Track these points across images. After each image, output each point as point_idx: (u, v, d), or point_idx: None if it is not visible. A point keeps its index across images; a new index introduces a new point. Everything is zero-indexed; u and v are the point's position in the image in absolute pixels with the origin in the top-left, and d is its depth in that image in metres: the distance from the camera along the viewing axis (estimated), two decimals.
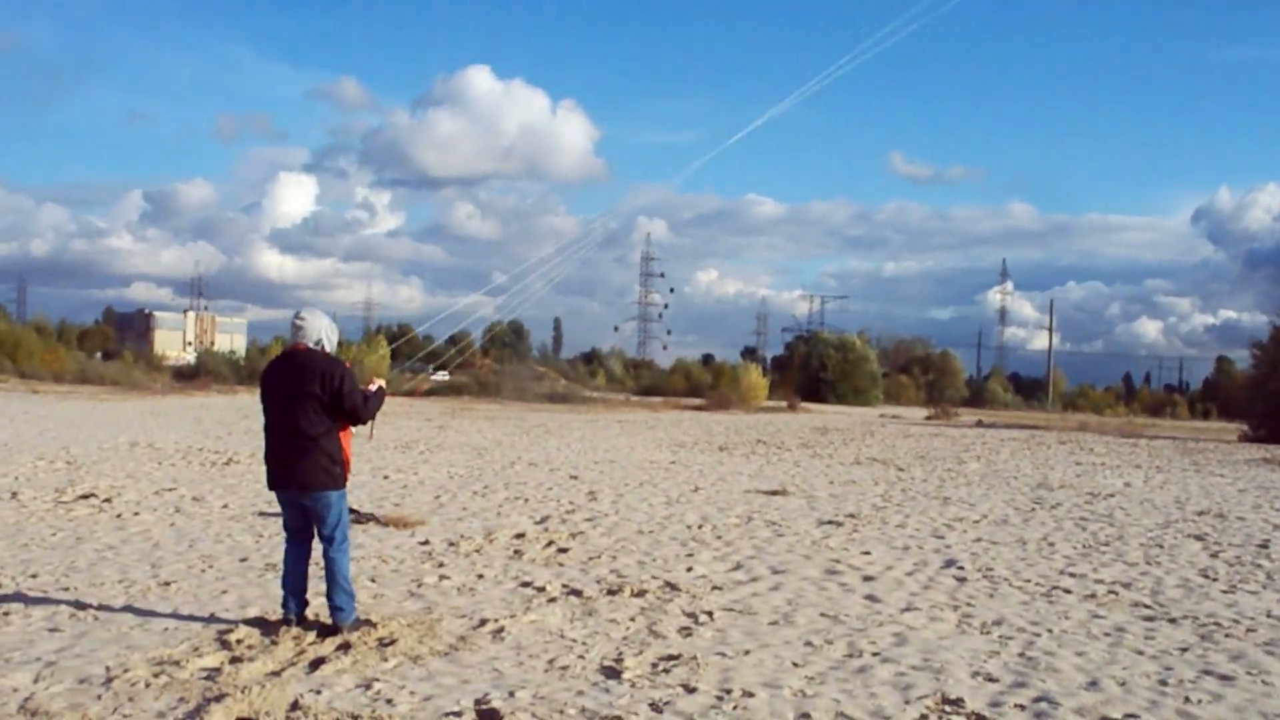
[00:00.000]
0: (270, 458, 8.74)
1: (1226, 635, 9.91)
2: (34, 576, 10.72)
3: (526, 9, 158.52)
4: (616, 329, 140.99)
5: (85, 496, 16.13)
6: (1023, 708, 7.50)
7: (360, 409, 8.66)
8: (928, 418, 63.84)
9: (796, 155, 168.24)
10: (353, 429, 8.91)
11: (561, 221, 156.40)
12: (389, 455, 24.99)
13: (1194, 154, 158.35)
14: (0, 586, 10.21)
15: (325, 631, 8.70)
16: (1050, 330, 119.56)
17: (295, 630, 8.73)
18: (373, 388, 8.97)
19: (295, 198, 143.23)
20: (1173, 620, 10.44)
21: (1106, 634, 9.76)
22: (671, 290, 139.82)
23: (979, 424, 55.75)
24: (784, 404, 72.77)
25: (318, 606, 9.17)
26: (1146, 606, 11.03)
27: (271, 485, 8.84)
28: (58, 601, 9.68)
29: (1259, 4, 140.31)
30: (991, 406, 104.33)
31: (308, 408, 8.48)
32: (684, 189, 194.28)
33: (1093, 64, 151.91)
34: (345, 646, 8.40)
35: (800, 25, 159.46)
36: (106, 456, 21.82)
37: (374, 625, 8.91)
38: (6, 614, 9.14)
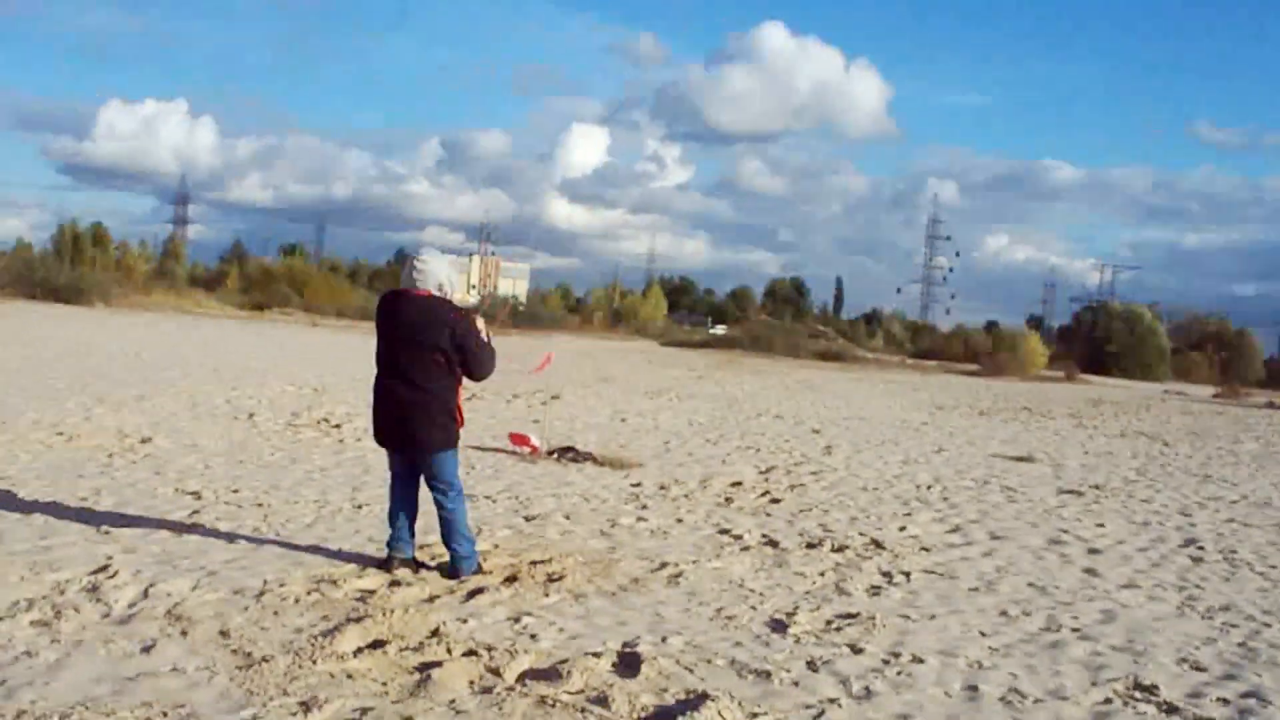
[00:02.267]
0: (379, 410, 8.09)
1: None
2: (235, 491, 10.85)
3: None
4: (899, 291, 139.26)
5: (320, 421, 16.41)
6: (1226, 702, 6.76)
7: (485, 364, 8.03)
8: (1214, 396, 60.87)
9: (1097, 118, 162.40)
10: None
11: (851, 180, 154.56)
12: (635, 401, 24.94)
13: None
14: (200, 499, 10.33)
15: (447, 575, 8.19)
16: None
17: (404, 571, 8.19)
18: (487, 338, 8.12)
19: (587, 149, 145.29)
20: None
21: None
22: (958, 254, 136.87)
23: (1269, 405, 52.76)
24: (1061, 374, 70.40)
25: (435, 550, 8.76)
26: None
27: (381, 441, 8.22)
28: (248, 516, 9.74)
29: None
30: None
31: (427, 360, 7.83)
32: (978, 151, 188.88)
33: None
34: (512, 579, 8.17)
35: None
36: (355, 386, 22.22)
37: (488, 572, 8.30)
38: (194, 526, 9.21)
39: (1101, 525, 12.81)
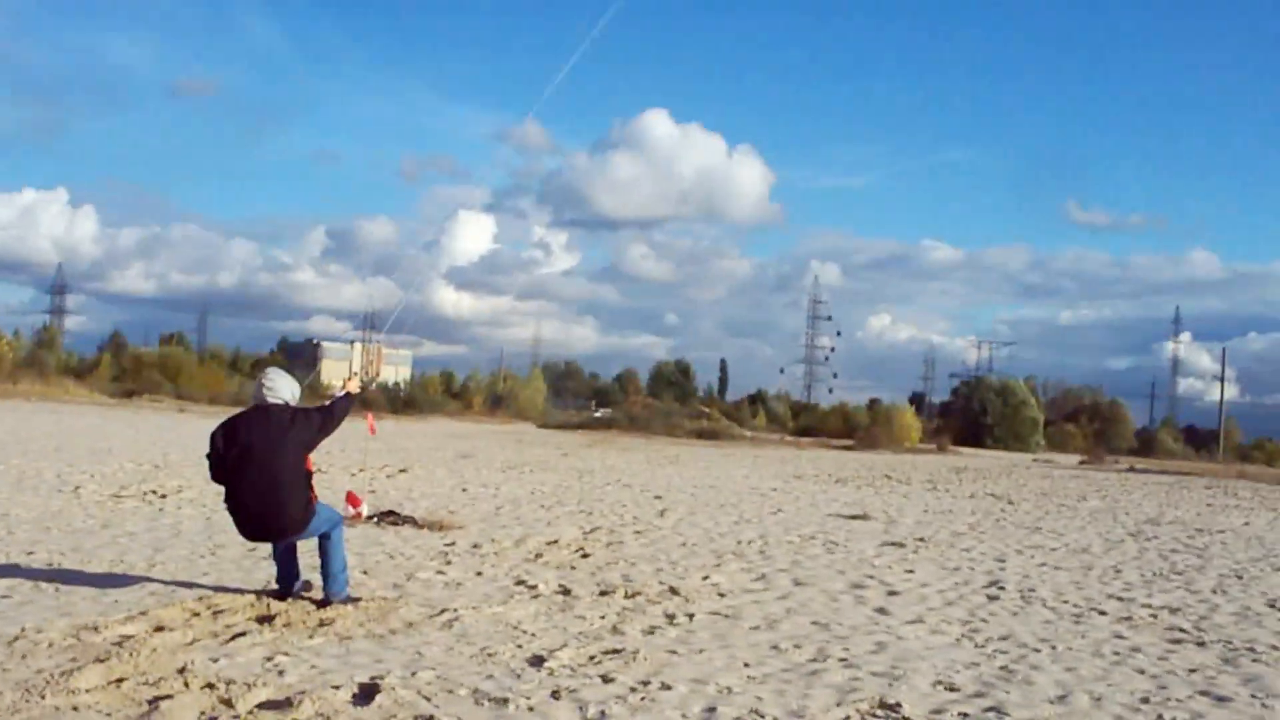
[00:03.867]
0: (242, 511, 8.65)
1: (1254, 660, 9.13)
2: (30, 553, 10.76)
3: (704, 54, 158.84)
4: (783, 371, 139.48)
5: (147, 493, 16.22)
6: (965, 716, 6.89)
7: (331, 415, 8.94)
8: (1080, 462, 61.98)
9: (975, 200, 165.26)
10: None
11: (736, 264, 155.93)
12: (486, 474, 24.84)
13: None
14: None
15: (319, 605, 8.80)
16: (1222, 380, 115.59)
17: (269, 603, 8.79)
18: (340, 393, 9.26)
19: (474, 236, 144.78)
20: (1202, 644, 9.65)
21: (1116, 654, 9.03)
22: (839, 333, 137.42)
23: (1130, 469, 53.84)
24: (934, 447, 71.30)
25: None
26: (1183, 630, 10.23)
27: (250, 538, 8.91)
28: (34, 574, 9.65)
29: None
30: (1160, 457, 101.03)
31: (288, 454, 8.56)
32: (859, 233, 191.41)
33: (1273, 104, 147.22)
34: (269, 619, 8.25)
35: (976, 71, 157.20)
36: (197, 462, 21.94)
37: (358, 601, 9.04)
38: None
39: (911, 571, 12.99)
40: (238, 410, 8.96)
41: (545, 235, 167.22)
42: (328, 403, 9.14)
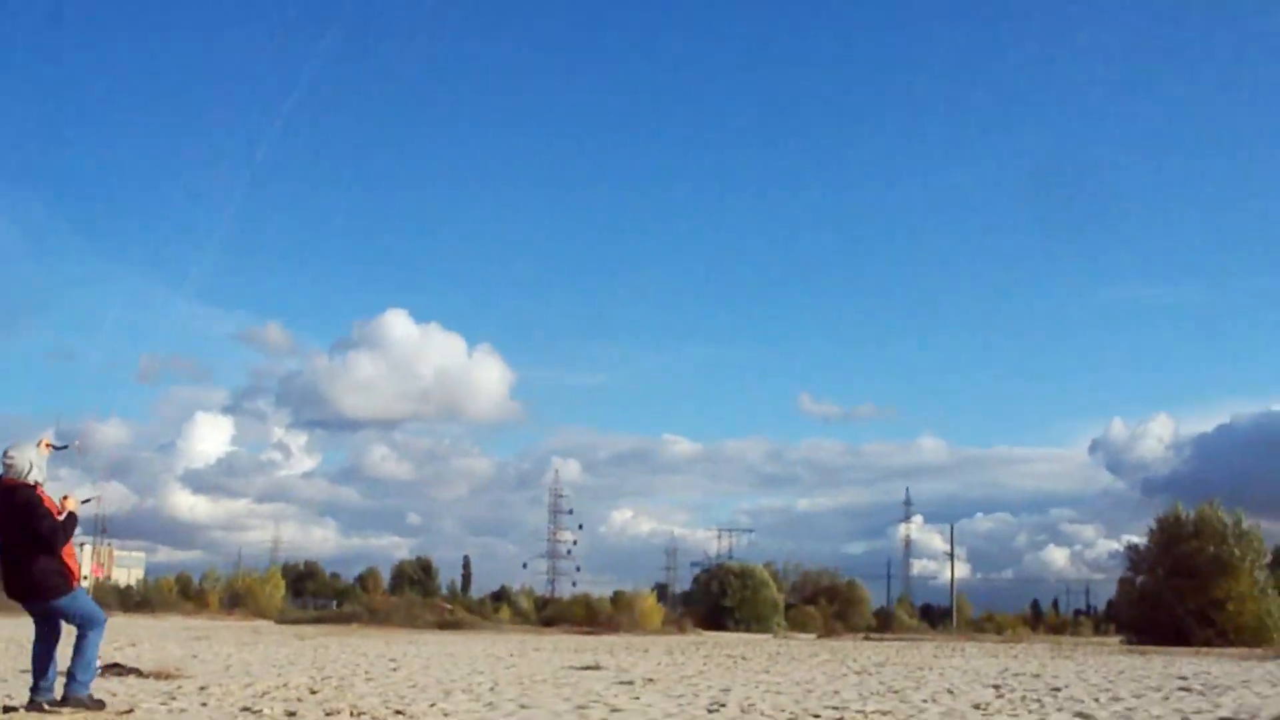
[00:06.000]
0: (5, 574, 9.34)
1: None
2: None
3: (443, 254, 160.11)
4: (525, 566, 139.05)
5: None
6: None
7: (56, 538, 9.26)
8: (818, 636, 63.23)
9: (713, 395, 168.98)
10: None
11: (477, 462, 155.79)
12: (219, 647, 24.31)
13: (1087, 388, 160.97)
14: None
15: (57, 704, 9.21)
16: (952, 557, 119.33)
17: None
18: (63, 516, 9.43)
19: (211, 438, 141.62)
20: None
21: None
22: (581, 527, 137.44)
23: (866, 638, 55.19)
24: (675, 629, 71.80)
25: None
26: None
27: (11, 596, 9.41)
28: None
29: (1151, 249, 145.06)
30: (896, 632, 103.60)
31: (27, 536, 9.17)
32: (601, 428, 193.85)
33: (986, 303, 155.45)
34: None
35: (713, 267, 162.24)
36: None
37: (103, 705, 9.52)
38: None
39: (637, 698, 13.29)
40: None
41: (284, 436, 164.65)
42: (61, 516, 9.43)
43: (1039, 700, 13.84)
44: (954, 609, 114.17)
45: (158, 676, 14.08)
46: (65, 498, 9.59)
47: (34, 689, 9.43)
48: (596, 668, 19.34)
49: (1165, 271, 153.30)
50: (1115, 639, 67.72)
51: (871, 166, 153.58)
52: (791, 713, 11.82)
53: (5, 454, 9.38)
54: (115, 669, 14.41)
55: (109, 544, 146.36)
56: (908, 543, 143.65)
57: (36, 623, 9.61)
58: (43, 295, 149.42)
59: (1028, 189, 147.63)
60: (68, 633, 9.56)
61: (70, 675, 9.31)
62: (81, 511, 9.74)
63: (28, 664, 9.14)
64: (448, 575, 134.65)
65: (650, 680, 16.30)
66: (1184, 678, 18.28)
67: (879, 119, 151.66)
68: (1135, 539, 50.10)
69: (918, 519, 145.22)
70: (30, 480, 9.37)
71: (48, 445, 9.74)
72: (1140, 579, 48.88)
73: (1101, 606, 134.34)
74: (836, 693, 14.48)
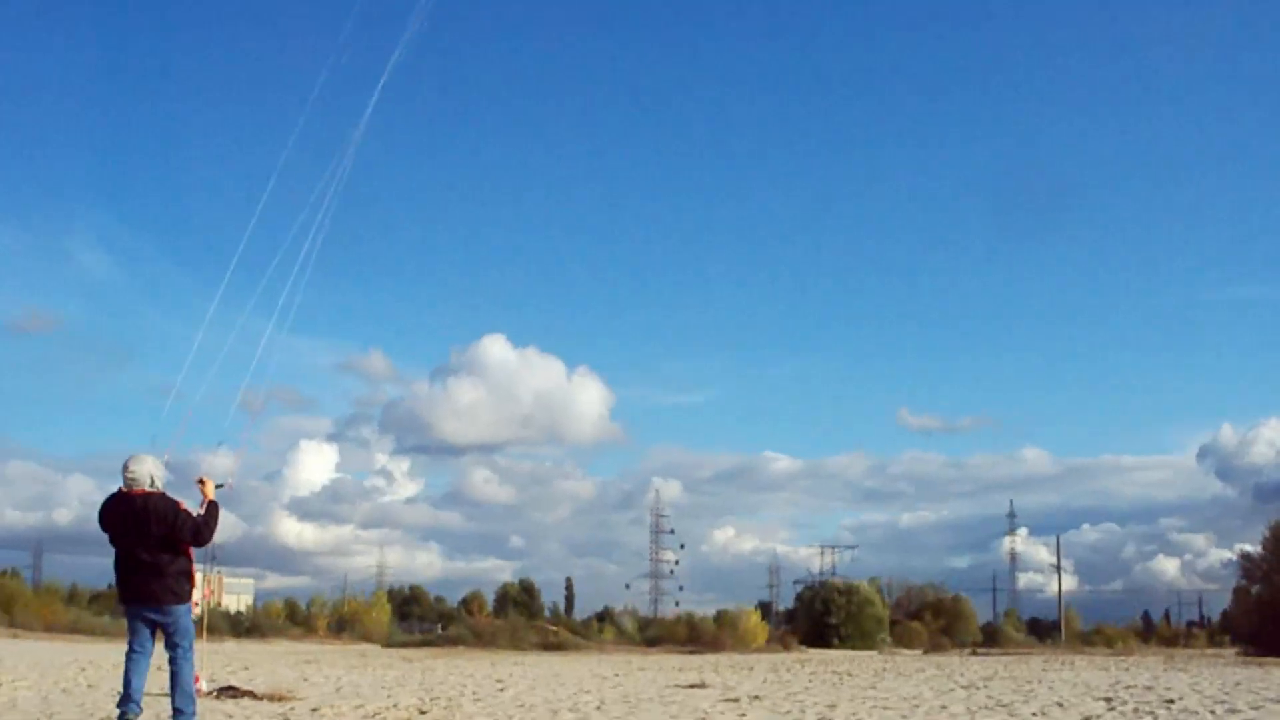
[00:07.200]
0: (123, 581, 9.66)
1: None
2: None
3: (537, 279, 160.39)
4: (628, 586, 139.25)
5: None
6: None
7: (202, 533, 9.69)
8: (924, 651, 62.75)
9: (812, 410, 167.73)
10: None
11: (578, 484, 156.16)
12: (329, 670, 24.61)
13: (1194, 393, 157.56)
14: None
15: None
16: (1059, 570, 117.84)
17: None
18: (203, 508, 9.83)
19: (316, 466, 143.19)
20: None
21: None
22: (682, 546, 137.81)
23: (973, 653, 54.69)
24: (780, 647, 71.62)
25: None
26: None
27: (125, 601, 9.78)
28: None
29: (1252, 248, 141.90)
30: (1003, 646, 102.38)
31: (153, 544, 9.46)
32: (700, 447, 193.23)
33: (1087, 309, 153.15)
34: None
35: (810, 283, 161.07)
36: (29, 669, 21.52)
37: None
38: None
39: (743, 715, 13.30)
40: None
41: (388, 463, 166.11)
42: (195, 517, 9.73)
43: (1152, 713, 13.72)
44: (1062, 622, 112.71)
45: (271, 699, 14.34)
46: (201, 480, 9.99)
47: (124, 707, 9.55)
48: (702, 685, 19.37)
49: (1274, 271, 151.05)
50: (1231, 650, 66.73)
51: None
52: None
53: (126, 467, 9.64)
54: (230, 692, 14.68)
55: (219, 571, 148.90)
56: (1013, 555, 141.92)
57: (134, 636, 9.72)
58: (151, 332, 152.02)
59: None
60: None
61: (178, 711, 9.54)
62: (218, 497, 9.99)
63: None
64: (551, 597, 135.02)
65: (756, 697, 16.30)
66: None
67: (997, 132, 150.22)
68: (1248, 547, 49.25)
69: (1022, 531, 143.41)
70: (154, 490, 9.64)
71: (211, 484, 9.98)
72: (1256, 588, 48.01)
73: (1215, 617, 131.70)
74: (944, 707, 14.42)
